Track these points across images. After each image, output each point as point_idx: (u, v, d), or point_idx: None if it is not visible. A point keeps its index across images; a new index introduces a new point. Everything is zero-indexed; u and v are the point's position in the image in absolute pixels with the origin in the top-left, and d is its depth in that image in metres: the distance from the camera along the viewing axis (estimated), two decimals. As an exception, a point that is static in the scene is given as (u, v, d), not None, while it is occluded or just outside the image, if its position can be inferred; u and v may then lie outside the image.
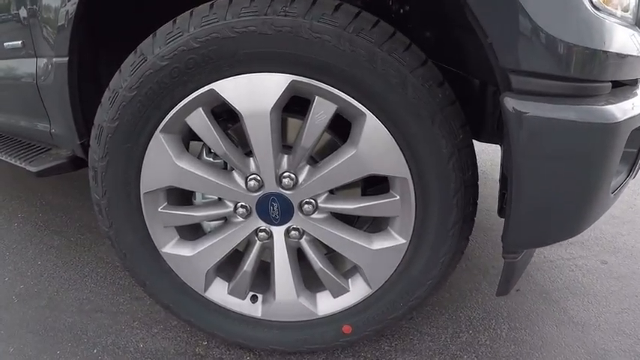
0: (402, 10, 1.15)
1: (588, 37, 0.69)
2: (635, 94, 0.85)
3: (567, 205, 0.75)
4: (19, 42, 1.36)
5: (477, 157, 0.92)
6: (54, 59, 1.13)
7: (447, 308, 1.31)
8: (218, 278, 1.05)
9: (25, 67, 1.39)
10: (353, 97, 0.78)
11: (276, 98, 0.79)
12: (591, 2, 0.70)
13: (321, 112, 0.81)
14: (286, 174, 0.89)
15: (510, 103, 0.68)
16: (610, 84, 0.76)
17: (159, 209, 0.97)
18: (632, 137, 0.81)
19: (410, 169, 0.83)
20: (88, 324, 1.27)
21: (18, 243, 1.76)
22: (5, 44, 1.44)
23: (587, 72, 0.70)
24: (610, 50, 0.71)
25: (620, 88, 0.86)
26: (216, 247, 0.99)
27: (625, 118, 0.73)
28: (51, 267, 1.57)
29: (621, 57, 0.75)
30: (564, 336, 1.21)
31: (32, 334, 1.24)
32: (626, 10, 0.81)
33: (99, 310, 1.33)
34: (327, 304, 1.02)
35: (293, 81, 0.78)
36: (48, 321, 1.29)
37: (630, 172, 1.02)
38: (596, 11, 0.70)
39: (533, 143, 0.70)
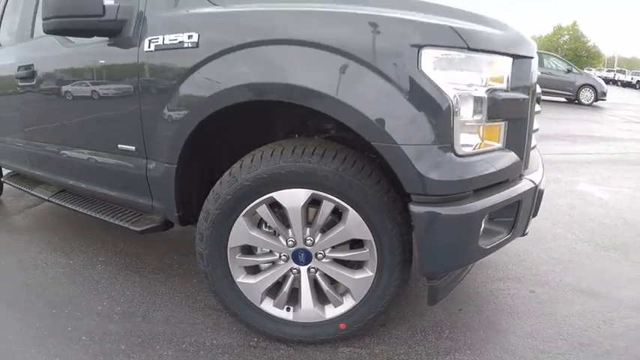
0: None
1: (453, 174, 1.39)
2: (500, 189, 1.51)
3: (449, 254, 1.48)
4: (133, 147, 1.86)
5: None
6: (165, 165, 1.78)
7: (408, 319, 1.96)
8: (267, 297, 1.76)
9: (136, 163, 1.91)
10: (342, 201, 1.52)
11: (304, 201, 1.55)
12: (455, 153, 1.40)
13: (326, 207, 1.56)
14: (309, 238, 1.63)
15: (412, 207, 1.41)
16: (471, 192, 1.49)
17: (236, 257, 1.70)
18: (502, 212, 1.47)
19: (372, 236, 1.55)
20: (175, 330, 1.82)
21: (105, 279, 2.22)
22: (119, 146, 1.94)
23: (454, 191, 1.43)
24: (469, 177, 1.42)
25: (488, 187, 1.56)
26: (267, 278, 1.71)
27: (478, 209, 1.44)
28: (138, 296, 2.08)
29: (477, 177, 1.45)
30: (488, 337, 1.79)
31: (135, 338, 1.76)
32: (493, 140, 1.49)
33: (181, 322, 1.88)
34: (331, 311, 1.72)
35: (313, 193, 1.53)
36: (145, 329, 1.82)
37: (511, 232, 1.65)
38: (460, 158, 1.43)
39: (427, 227, 1.41)
